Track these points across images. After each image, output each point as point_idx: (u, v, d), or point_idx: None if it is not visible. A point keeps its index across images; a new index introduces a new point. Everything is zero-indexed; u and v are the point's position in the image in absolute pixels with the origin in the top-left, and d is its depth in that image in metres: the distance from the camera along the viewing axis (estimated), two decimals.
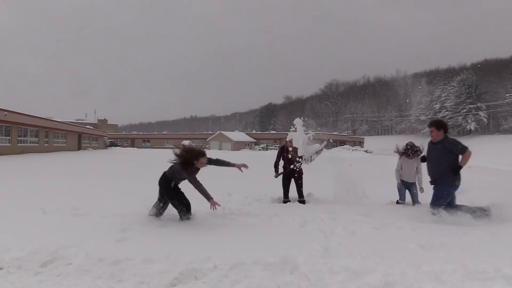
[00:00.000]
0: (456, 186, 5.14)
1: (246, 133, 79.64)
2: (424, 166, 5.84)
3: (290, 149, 6.62)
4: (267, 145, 67.33)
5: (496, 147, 45.92)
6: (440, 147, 5.22)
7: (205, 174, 5.05)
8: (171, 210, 4.94)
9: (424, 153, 6.19)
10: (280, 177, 6.93)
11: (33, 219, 4.79)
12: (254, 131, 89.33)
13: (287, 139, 6.71)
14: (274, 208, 5.93)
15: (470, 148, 5.13)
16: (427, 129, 6.21)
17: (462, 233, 4.25)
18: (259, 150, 60.42)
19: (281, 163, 6.97)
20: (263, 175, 8.53)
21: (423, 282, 2.90)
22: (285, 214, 5.29)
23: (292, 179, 6.79)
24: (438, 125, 5.34)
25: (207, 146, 66.38)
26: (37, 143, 31.65)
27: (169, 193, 4.80)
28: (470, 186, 5.91)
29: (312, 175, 7.03)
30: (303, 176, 6.78)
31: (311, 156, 6.45)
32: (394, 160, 7.11)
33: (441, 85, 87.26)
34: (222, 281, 2.95)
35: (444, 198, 5.11)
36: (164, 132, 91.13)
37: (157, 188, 4.90)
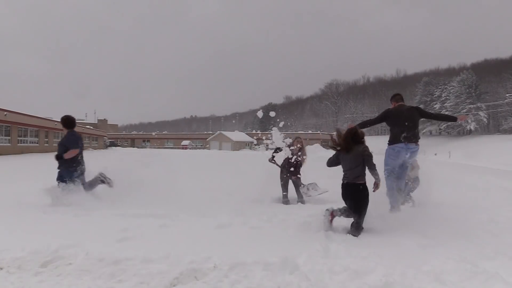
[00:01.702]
0: (74, 168, 6.08)
1: (246, 133, 79.59)
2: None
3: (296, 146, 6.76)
4: (267, 145, 67.24)
5: (495, 147, 45.93)
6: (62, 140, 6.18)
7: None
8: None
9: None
10: (280, 177, 6.97)
11: (33, 219, 4.79)
12: (254, 131, 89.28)
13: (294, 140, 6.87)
14: (274, 208, 5.93)
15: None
16: (427, 128, 6.33)
17: (462, 233, 4.26)
18: (259, 150, 60.35)
19: (280, 163, 7.06)
20: (263, 175, 8.52)
21: (423, 282, 2.90)
22: (285, 214, 5.30)
23: (290, 180, 6.86)
24: (61, 122, 6.23)
25: (207, 146, 66.31)
26: (37, 143, 31.64)
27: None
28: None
29: (311, 175, 7.04)
30: (301, 176, 6.86)
31: (312, 195, 6.89)
32: None
33: (441, 85, 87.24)
34: (222, 281, 2.95)
35: (66, 177, 6.02)
36: (164, 132, 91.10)
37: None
